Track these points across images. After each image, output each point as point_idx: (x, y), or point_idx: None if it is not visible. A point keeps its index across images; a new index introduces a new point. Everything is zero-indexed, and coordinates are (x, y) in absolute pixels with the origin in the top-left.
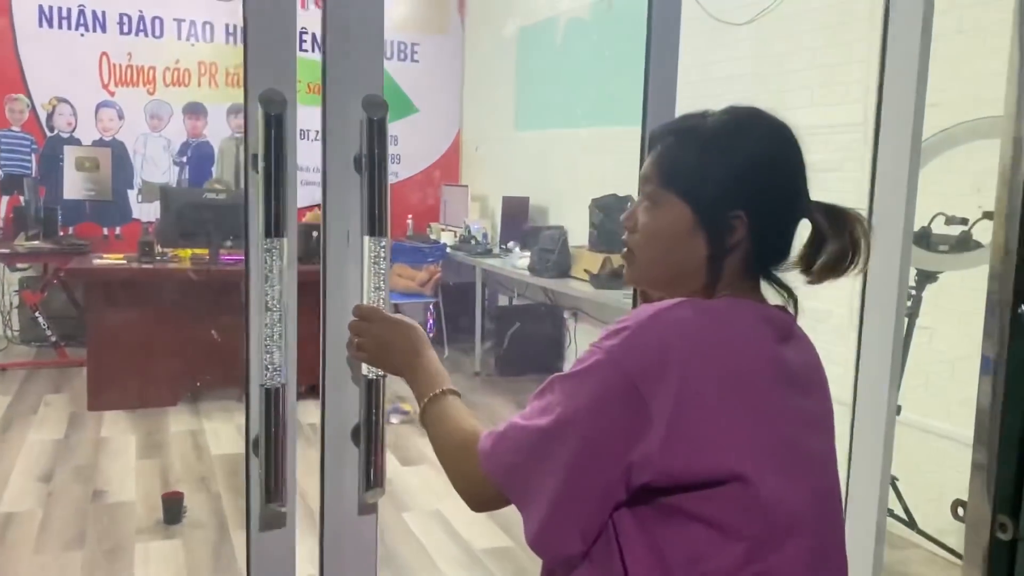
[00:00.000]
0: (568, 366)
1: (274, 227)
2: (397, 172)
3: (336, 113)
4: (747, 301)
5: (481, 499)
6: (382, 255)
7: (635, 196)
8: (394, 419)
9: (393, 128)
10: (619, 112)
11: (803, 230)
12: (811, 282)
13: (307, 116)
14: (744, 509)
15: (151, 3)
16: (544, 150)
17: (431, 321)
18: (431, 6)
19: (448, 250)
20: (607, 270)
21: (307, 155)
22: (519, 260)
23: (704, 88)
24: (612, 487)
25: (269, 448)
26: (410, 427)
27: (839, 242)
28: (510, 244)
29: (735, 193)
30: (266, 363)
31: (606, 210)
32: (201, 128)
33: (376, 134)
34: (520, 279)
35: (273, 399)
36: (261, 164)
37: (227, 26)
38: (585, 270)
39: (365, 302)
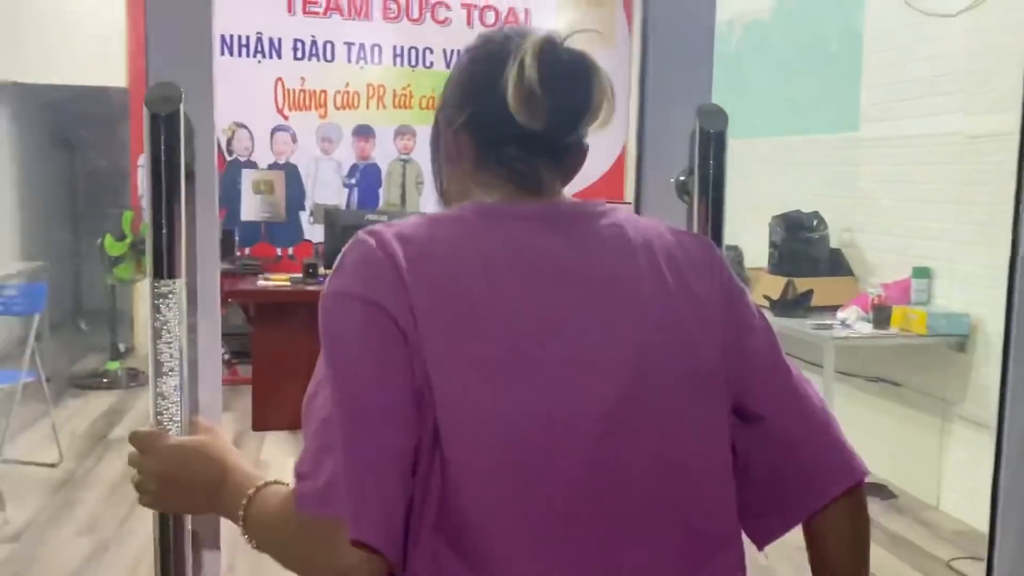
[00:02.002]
0: None
1: (166, 264)
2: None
3: (657, 127)
4: (494, 204)
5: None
6: None
7: (821, 212)
8: None
9: None
10: (802, 120)
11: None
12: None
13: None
14: (453, 430)
15: (323, 28)
16: None
17: None
18: (598, 21)
19: None
20: (790, 295)
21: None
22: None
23: (902, 88)
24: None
25: (166, 556)
26: None
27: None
28: None
29: (445, 113)
30: None
31: (789, 228)
32: (369, 150)
33: (714, 150)
34: None
35: None
36: (148, 178)
37: (395, 48)
38: (764, 295)
39: None
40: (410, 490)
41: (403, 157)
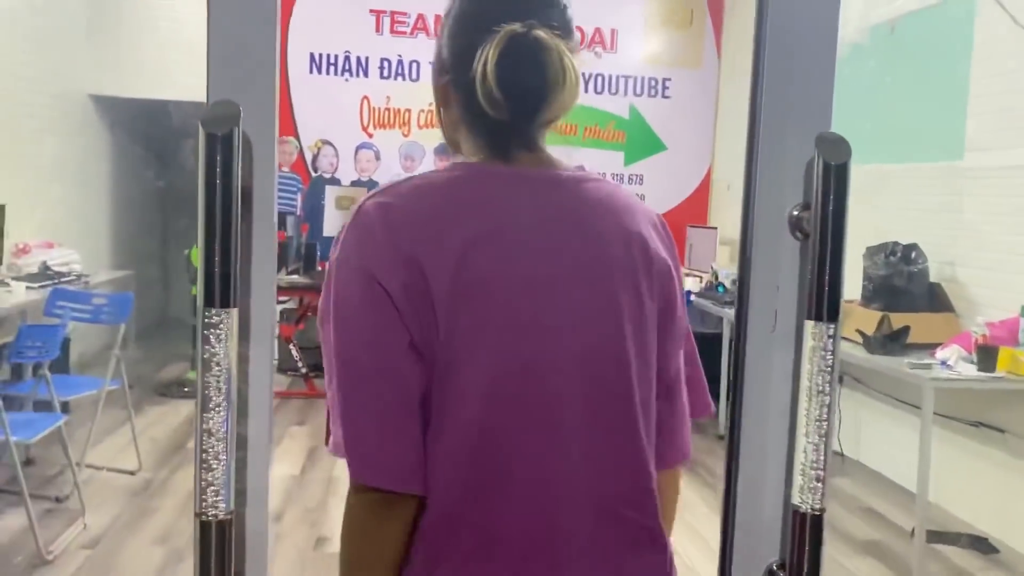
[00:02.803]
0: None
1: (218, 292)
2: None
3: (770, 156)
4: (480, 166)
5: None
6: (829, 346)
7: (920, 244)
8: None
9: (639, 167)
10: (901, 148)
11: None
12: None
13: (578, 157)
14: (439, 387)
15: (410, 48)
16: None
17: None
18: (685, 40)
19: (692, 298)
20: (885, 331)
21: None
22: None
23: (1010, 116)
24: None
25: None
26: None
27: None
28: None
29: (439, 62)
30: (203, 480)
31: (886, 260)
32: None
33: (835, 185)
34: None
35: (210, 536)
36: (201, 200)
37: None
38: (857, 330)
39: (805, 406)
40: (416, 433)
41: None
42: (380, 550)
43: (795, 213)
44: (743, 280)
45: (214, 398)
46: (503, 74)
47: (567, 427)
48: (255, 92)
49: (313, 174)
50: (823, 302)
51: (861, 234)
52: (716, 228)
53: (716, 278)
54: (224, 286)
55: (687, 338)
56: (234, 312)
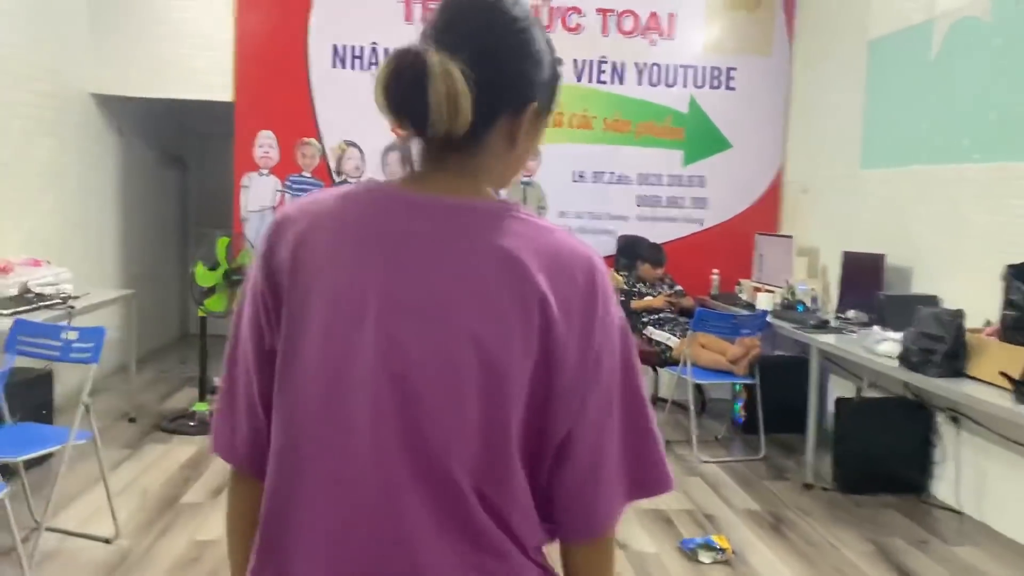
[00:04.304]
0: (937, 484)
1: None
2: (703, 219)
3: None
4: (380, 183)
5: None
6: None
7: None
8: (704, 558)
9: (700, 167)
10: None
11: None
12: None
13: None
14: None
15: None
16: (904, 193)
17: (742, 410)
18: (752, 25)
19: (769, 319)
20: None
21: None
22: (882, 345)
23: None
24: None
25: None
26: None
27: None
28: (850, 314)
29: None
30: None
31: None
32: None
33: None
34: (879, 368)
35: None
36: None
37: None
38: (1001, 373)
39: None
40: (260, 418)
41: (525, 180)
42: (232, 522)
43: None
44: None
45: None
46: (390, 92)
47: (360, 460)
48: None
49: (337, 179)
50: None
51: (984, 247)
52: (791, 237)
53: (793, 295)
54: None
55: (633, 405)
56: None
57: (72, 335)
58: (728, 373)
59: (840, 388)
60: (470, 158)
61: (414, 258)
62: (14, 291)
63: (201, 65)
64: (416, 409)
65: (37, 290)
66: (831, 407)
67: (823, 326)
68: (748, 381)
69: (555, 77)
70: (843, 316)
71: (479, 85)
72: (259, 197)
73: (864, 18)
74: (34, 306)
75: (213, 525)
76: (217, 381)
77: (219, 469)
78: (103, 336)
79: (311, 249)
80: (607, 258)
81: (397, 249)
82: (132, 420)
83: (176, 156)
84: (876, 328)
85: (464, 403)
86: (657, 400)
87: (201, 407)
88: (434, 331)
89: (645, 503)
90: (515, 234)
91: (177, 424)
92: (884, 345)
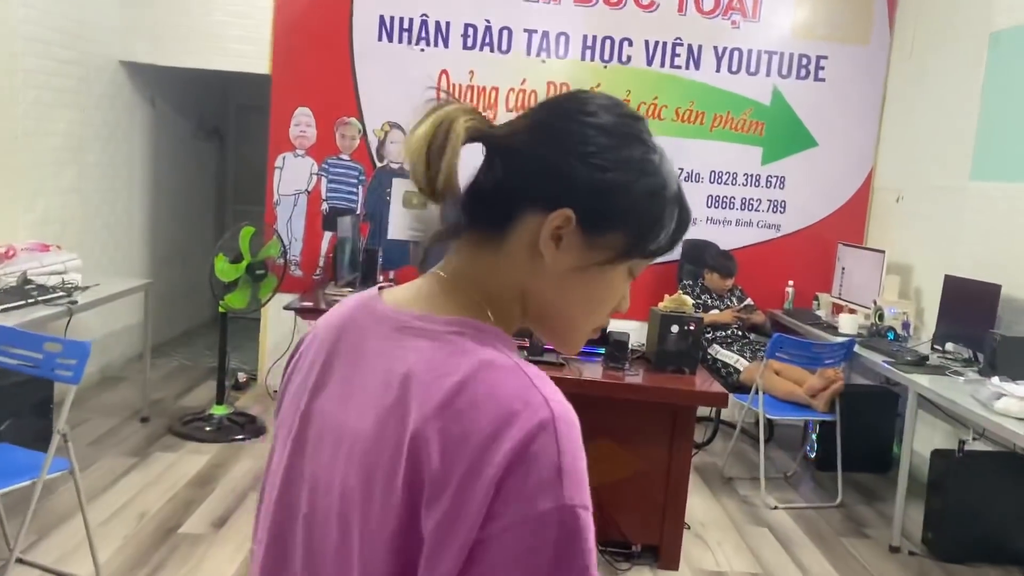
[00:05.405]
0: None
1: None
2: (780, 224)
3: None
4: (371, 295)
5: None
6: None
7: None
8: None
9: (781, 166)
10: None
11: None
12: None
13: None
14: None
15: (500, 12)
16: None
17: (812, 449)
18: (848, 9)
19: (856, 348)
20: None
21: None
22: (1000, 401)
23: None
24: None
25: None
26: None
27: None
28: (949, 347)
29: None
30: None
31: None
32: None
33: None
34: (993, 426)
35: None
36: None
37: (585, 38)
38: None
39: None
40: None
41: None
42: None
43: None
44: None
45: None
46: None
47: None
48: None
49: (378, 164)
50: None
51: None
52: (883, 252)
53: (881, 319)
54: None
55: None
56: None
57: (56, 347)
58: (805, 408)
59: (930, 428)
60: (490, 255)
61: (352, 383)
62: (13, 281)
63: (235, 33)
64: (320, 559)
65: (39, 281)
66: (916, 445)
67: (921, 363)
68: (828, 418)
69: (631, 206)
70: (940, 348)
71: (509, 164)
72: (293, 179)
73: (987, 5)
74: (32, 300)
75: (209, 566)
76: (241, 377)
77: (226, 493)
78: (87, 352)
79: (299, 362)
80: (670, 263)
81: (348, 373)
82: (145, 420)
83: (213, 128)
84: (995, 380)
85: (345, 558)
86: (719, 425)
87: (219, 410)
88: (333, 472)
89: (707, 565)
90: (435, 362)
91: (191, 428)
92: (1003, 402)
